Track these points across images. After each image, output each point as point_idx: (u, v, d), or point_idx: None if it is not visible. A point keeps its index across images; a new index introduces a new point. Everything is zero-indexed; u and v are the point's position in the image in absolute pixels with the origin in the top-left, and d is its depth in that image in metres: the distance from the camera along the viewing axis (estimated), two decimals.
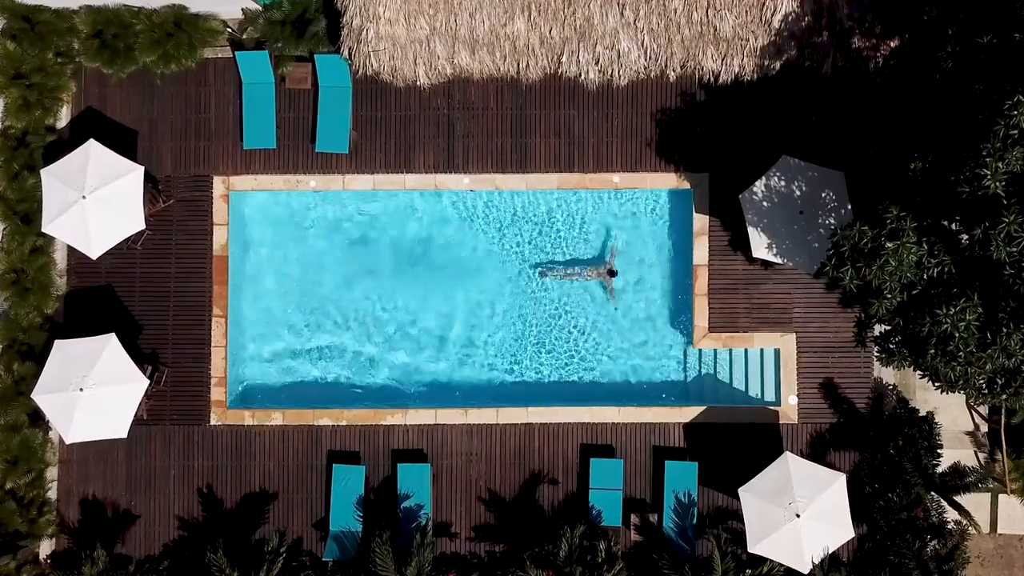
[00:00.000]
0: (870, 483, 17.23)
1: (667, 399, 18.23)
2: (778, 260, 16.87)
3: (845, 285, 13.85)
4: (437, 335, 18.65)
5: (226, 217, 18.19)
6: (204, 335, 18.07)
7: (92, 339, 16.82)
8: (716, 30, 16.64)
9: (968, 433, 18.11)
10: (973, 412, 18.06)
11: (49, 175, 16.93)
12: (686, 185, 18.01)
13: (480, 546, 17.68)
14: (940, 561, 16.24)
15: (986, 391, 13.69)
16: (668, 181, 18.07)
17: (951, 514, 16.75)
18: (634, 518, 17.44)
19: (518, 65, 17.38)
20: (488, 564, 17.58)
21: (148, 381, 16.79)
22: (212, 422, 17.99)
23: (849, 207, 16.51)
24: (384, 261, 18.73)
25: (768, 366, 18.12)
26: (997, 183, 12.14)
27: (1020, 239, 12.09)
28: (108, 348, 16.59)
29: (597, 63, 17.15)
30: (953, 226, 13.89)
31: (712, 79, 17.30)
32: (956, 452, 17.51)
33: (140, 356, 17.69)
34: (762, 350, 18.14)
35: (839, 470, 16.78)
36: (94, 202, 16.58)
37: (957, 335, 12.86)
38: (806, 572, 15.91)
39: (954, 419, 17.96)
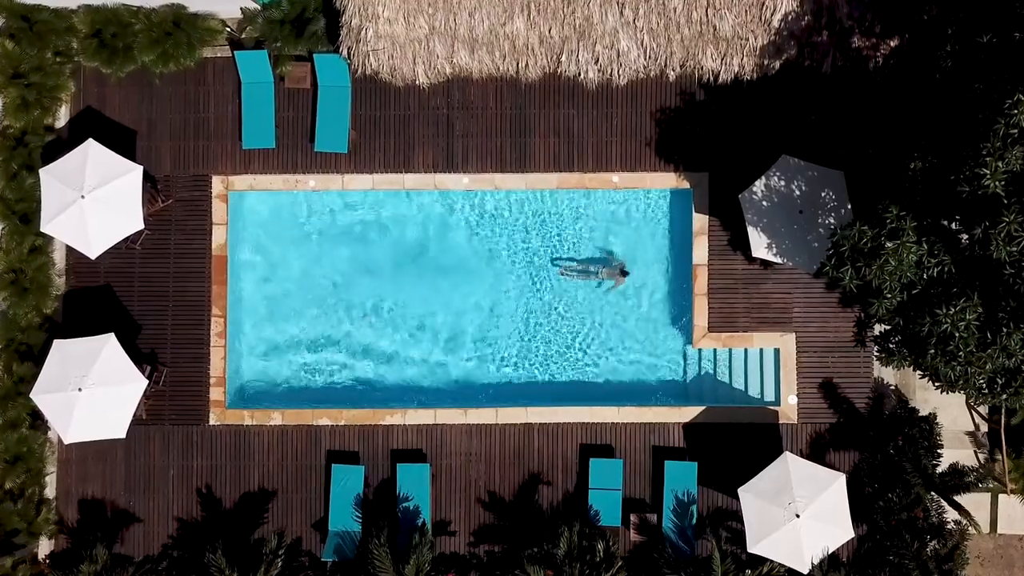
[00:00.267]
0: (870, 483, 17.21)
1: (667, 399, 18.20)
2: (778, 260, 16.84)
3: (845, 285, 13.84)
4: (436, 335, 18.63)
5: (225, 217, 18.17)
6: (203, 335, 18.05)
7: (91, 339, 16.81)
8: (716, 29, 16.62)
9: (968, 433, 18.09)
10: (973, 412, 18.04)
11: (48, 175, 16.92)
12: (686, 185, 17.99)
13: (479, 546, 17.66)
14: (940, 561, 16.23)
15: (986, 391, 13.67)
16: (668, 181, 18.05)
17: (951, 514, 16.73)
18: (633, 518, 17.41)
19: (517, 64, 17.36)
20: (487, 564, 17.56)
21: (147, 381, 16.78)
22: (211, 422, 17.97)
23: (849, 207, 16.49)
24: (383, 261, 18.71)
25: (768, 366, 18.09)
26: (997, 182, 12.12)
27: (1020, 239, 12.07)
28: (107, 348, 16.57)
29: (596, 62, 17.13)
30: (953, 226, 13.88)
31: (712, 78, 17.27)
32: (956, 452, 17.50)
33: (139, 356, 17.66)
34: (762, 350, 18.11)
35: (839, 470, 16.76)
36: (93, 202, 16.56)
37: (957, 335, 12.84)
38: (806, 572, 15.89)
39: (954, 419, 17.94)
